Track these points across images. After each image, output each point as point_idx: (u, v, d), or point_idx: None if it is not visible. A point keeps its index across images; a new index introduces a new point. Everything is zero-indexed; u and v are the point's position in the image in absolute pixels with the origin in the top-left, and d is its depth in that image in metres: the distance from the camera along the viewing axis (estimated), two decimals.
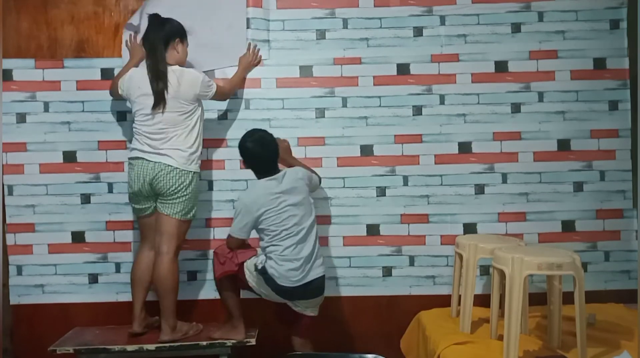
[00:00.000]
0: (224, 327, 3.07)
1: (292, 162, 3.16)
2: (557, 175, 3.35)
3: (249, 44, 3.29)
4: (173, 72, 2.97)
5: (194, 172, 3.01)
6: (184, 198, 2.97)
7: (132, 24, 3.30)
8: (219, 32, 3.31)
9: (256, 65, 3.33)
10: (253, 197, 2.90)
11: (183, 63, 3.09)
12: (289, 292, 2.88)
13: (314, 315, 3.01)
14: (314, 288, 2.91)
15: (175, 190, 2.96)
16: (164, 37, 2.98)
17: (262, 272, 2.86)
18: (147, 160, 2.96)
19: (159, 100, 2.93)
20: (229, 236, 2.97)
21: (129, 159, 3.05)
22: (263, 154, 2.93)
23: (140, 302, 3.07)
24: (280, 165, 3.03)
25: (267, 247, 2.90)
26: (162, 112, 2.94)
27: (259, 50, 3.32)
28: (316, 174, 3.16)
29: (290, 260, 2.85)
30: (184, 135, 2.98)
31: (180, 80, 2.96)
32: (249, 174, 3.05)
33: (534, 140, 3.35)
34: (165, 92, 2.93)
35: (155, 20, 3.01)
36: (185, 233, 3.08)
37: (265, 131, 3.02)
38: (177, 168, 2.94)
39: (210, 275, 3.27)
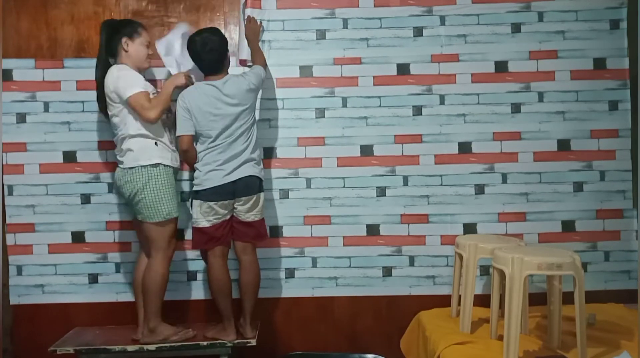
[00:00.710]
0: (216, 327, 3.08)
1: (254, 47, 3.17)
2: (557, 175, 3.35)
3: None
4: (110, 72, 2.93)
5: (147, 166, 2.90)
6: (144, 200, 2.90)
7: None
8: None
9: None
10: (189, 99, 2.95)
11: (142, 64, 3.02)
12: (218, 192, 2.93)
13: (258, 220, 3.05)
14: (242, 186, 2.96)
15: (132, 193, 2.91)
16: (107, 41, 2.96)
17: (195, 193, 2.98)
18: (117, 166, 3.01)
19: (101, 107, 2.98)
20: (177, 136, 2.99)
21: None
22: (205, 55, 2.96)
23: (142, 308, 3.04)
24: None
25: (199, 152, 2.97)
26: (108, 117, 2.98)
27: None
28: (264, 67, 3.14)
29: (209, 163, 2.94)
30: (133, 136, 2.91)
31: (107, 78, 2.92)
32: None
33: (534, 140, 3.35)
34: (108, 100, 2.92)
35: (104, 25, 3.00)
36: (169, 234, 2.97)
37: (213, 31, 3.03)
38: (130, 168, 2.91)
39: None
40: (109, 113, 2.96)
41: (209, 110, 2.93)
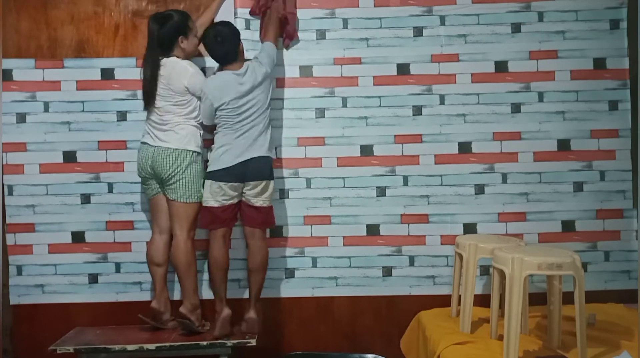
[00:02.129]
0: (216, 325, 3.07)
1: (272, 21, 3.21)
2: (557, 175, 3.35)
3: None
4: (168, 64, 3.04)
5: (193, 152, 3.07)
6: (182, 181, 3.04)
7: None
8: None
9: None
10: (214, 87, 3.05)
11: (192, 55, 3.16)
12: (228, 174, 3.01)
13: (266, 206, 3.11)
14: (253, 168, 3.03)
15: (173, 173, 3.02)
16: (164, 39, 3.03)
17: (208, 173, 3.06)
18: (149, 144, 3.08)
19: (147, 100, 3.04)
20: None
21: (140, 143, 3.15)
22: (216, 45, 3.06)
23: (158, 280, 3.15)
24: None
25: (216, 134, 3.09)
26: (156, 106, 3.05)
27: None
28: (275, 42, 3.20)
29: (223, 145, 3.03)
30: (181, 123, 3.06)
31: (172, 71, 3.03)
32: None
33: (534, 140, 3.34)
34: (157, 94, 3.03)
35: (154, 20, 3.05)
36: (196, 214, 3.10)
37: (224, 23, 3.14)
38: (175, 149, 3.02)
39: None
40: (164, 102, 3.04)
41: (228, 96, 3.01)
